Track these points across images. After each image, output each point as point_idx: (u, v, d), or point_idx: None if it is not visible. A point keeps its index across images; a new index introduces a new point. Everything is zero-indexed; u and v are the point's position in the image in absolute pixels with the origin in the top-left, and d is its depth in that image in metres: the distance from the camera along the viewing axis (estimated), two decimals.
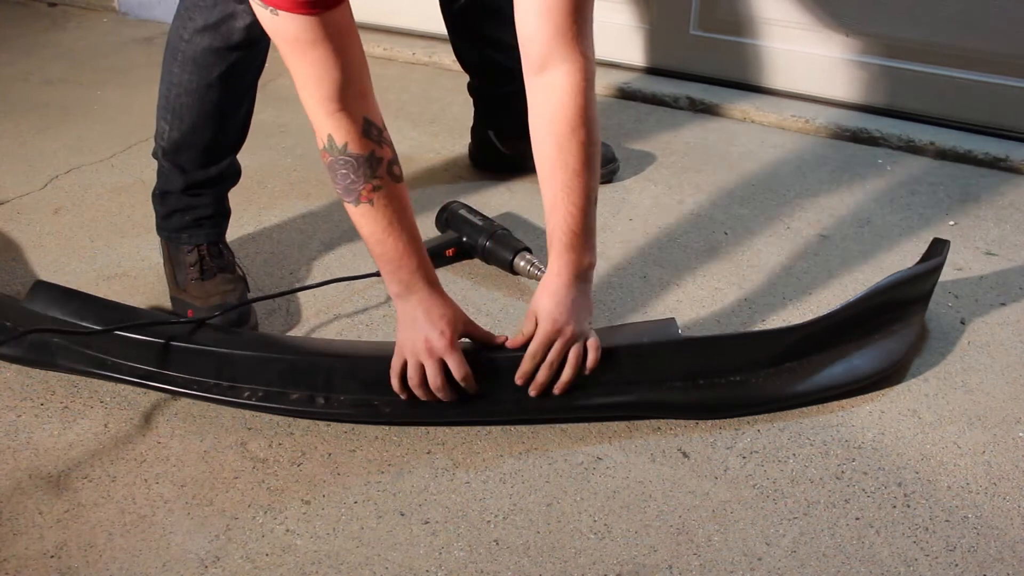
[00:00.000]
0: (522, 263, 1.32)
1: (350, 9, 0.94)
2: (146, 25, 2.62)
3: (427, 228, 1.44)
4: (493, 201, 1.58)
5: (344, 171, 0.98)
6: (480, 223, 1.39)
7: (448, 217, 1.43)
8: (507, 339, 1.07)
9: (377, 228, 1.00)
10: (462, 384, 1.03)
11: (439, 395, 1.03)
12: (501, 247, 1.35)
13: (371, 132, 0.99)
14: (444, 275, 1.36)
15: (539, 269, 1.30)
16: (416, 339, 1.02)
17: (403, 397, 1.04)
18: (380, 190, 0.99)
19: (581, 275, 1.04)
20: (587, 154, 1.01)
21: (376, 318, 1.27)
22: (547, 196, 1.04)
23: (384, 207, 1.00)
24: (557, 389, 1.04)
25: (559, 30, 0.97)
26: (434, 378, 1.02)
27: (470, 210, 1.42)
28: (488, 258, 1.37)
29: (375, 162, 0.99)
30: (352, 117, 0.97)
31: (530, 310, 1.05)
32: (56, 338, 1.10)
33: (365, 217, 1.00)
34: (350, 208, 1.01)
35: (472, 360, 1.05)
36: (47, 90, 2.08)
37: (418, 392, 1.03)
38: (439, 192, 1.47)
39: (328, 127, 0.97)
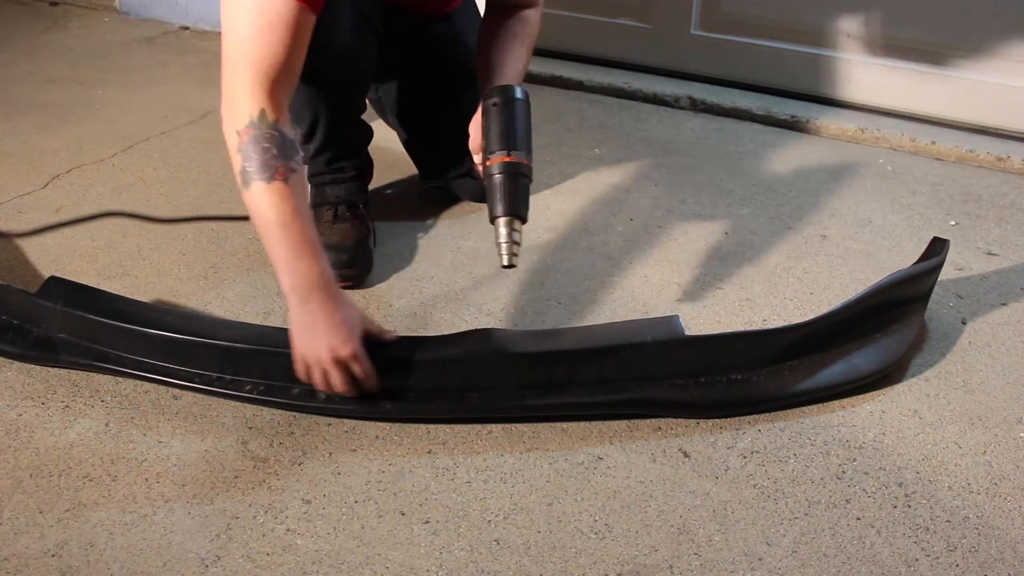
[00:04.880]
0: (504, 230, 1.04)
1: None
2: (147, 24, 2.63)
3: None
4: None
5: (268, 145, 0.98)
6: (503, 142, 1.06)
7: (493, 104, 1.09)
8: (398, 337, 1.09)
9: (287, 209, 0.98)
10: (365, 386, 1.03)
11: (344, 392, 1.03)
12: (502, 192, 1.04)
13: (293, 123, 1.05)
14: (442, 272, 1.37)
15: (513, 247, 1.04)
16: (319, 347, 1.01)
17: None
18: (295, 172, 1.00)
19: None
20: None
21: (377, 317, 1.27)
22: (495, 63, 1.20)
23: (296, 189, 0.99)
24: None
25: None
26: (341, 385, 1.02)
27: (526, 119, 1.10)
28: (484, 188, 1.08)
29: (295, 146, 1.01)
30: (284, 103, 1.01)
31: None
32: (62, 334, 1.11)
33: (276, 196, 0.98)
34: (258, 187, 0.98)
35: (473, 356, 1.05)
36: (48, 89, 2.09)
37: (323, 388, 1.04)
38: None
39: (262, 103, 0.98)
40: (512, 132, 1.06)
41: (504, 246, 1.04)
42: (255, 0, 0.97)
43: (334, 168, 1.42)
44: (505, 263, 1.04)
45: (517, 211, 1.05)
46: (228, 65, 0.99)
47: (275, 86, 0.99)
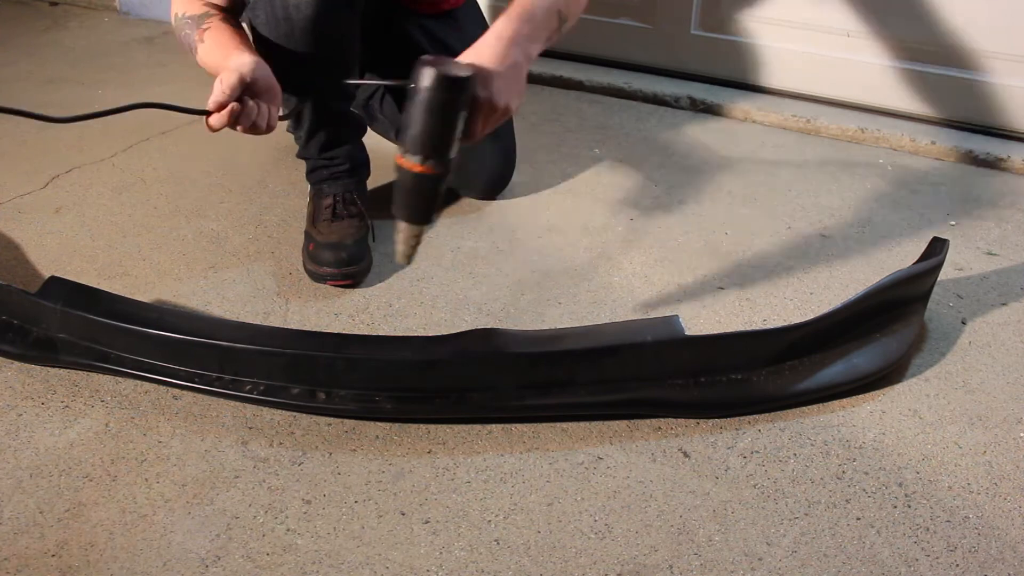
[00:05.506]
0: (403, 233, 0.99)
1: None
2: (147, 24, 2.63)
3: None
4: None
5: (186, 31, 1.22)
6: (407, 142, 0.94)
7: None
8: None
9: (214, 55, 1.17)
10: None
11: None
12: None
13: (211, 8, 1.23)
14: (443, 272, 1.37)
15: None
16: None
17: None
18: (209, 30, 1.20)
19: (523, 48, 1.00)
20: None
21: (377, 317, 1.27)
22: None
23: (215, 34, 1.19)
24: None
25: None
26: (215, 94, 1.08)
27: (441, 112, 0.93)
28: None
29: (207, 16, 1.22)
30: (199, 1, 1.24)
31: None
32: (62, 334, 1.11)
33: (205, 55, 1.19)
34: (199, 60, 1.21)
35: (473, 356, 1.05)
36: (48, 89, 2.09)
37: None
38: None
39: (177, 7, 1.24)
40: (414, 129, 0.92)
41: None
42: None
43: (327, 157, 1.42)
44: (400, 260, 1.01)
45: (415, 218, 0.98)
46: None
47: None
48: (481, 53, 0.99)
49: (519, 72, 1.00)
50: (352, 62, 1.37)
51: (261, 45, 1.31)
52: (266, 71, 1.13)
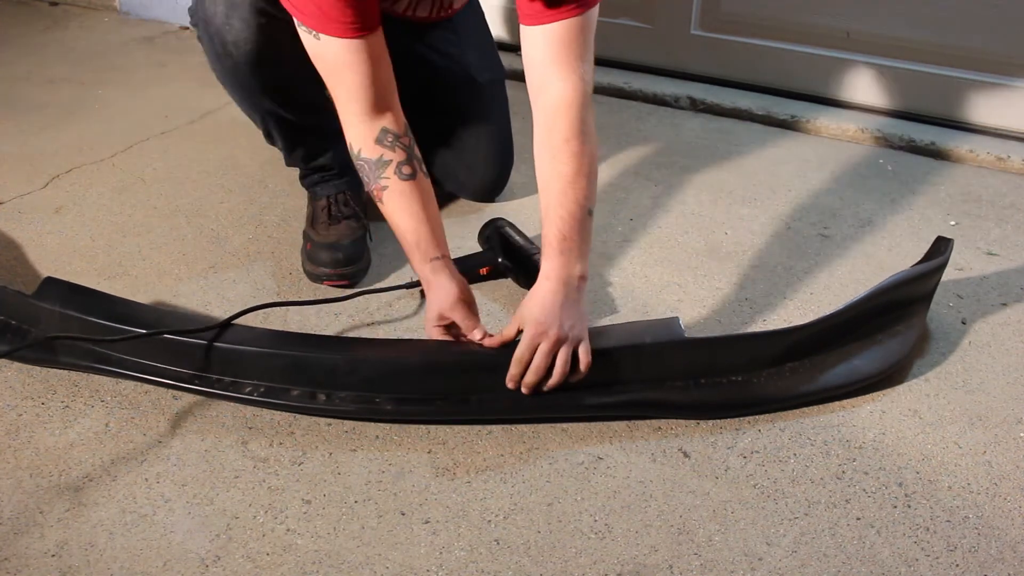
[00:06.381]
0: None
1: (383, 36, 1.10)
2: (147, 24, 2.63)
3: (471, 245, 1.42)
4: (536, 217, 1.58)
5: (360, 174, 1.15)
6: (522, 246, 1.32)
7: (491, 235, 1.37)
8: (485, 335, 1.07)
9: (392, 218, 1.13)
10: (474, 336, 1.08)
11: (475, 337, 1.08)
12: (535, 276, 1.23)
13: (384, 139, 1.12)
14: None
15: None
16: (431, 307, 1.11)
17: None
18: (386, 189, 1.12)
19: (569, 282, 1.05)
20: (579, 163, 1.06)
21: (377, 318, 1.27)
22: (543, 204, 1.09)
23: (392, 201, 1.12)
24: (545, 388, 1.04)
25: (558, 56, 1.06)
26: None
27: (515, 230, 1.35)
28: (520, 282, 1.31)
29: (383, 165, 1.12)
30: (371, 127, 1.11)
31: (516, 315, 1.06)
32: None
33: (382, 208, 1.14)
34: (383, 210, 1.15)
35: (474, 360, 1.05)
36: (48, 89, 2.09)
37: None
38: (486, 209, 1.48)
39: (351, 136, 1.13)
40: (522, 254, 1.30)
41: None
42: (326, 50, 1.08)
43: (314, 167, 1.43)
44: None
45: None
46: (339, 102, 1.12)
47: (380, 101, 1.11)
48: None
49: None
50: (308, 84, 1.25)
51: (214, 74, 1.32)
52: (468, 296, 1.12)
